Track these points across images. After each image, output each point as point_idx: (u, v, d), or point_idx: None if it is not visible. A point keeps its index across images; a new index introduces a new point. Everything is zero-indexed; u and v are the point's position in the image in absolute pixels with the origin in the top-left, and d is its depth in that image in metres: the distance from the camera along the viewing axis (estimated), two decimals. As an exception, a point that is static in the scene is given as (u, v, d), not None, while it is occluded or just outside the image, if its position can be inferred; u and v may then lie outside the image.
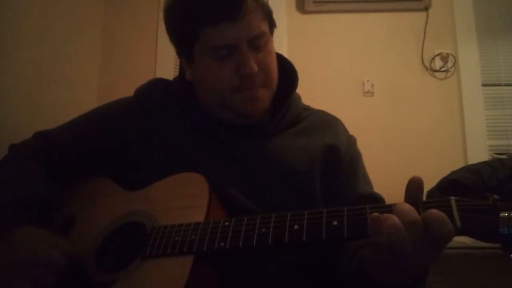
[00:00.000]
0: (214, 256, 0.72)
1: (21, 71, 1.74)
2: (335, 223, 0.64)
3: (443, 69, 2.41)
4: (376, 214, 0.59)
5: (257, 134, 0.92)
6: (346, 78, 2.43)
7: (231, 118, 0.90)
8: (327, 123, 0.98)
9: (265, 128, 0.93)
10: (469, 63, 2.41)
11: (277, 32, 0.95)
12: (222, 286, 0.73)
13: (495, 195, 0.57)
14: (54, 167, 0.92)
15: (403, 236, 0.56)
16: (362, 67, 2.44)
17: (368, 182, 0.94)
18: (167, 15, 0.91)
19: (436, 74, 2.42)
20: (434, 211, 0.57)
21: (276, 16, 0.93)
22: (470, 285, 1.48)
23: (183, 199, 0.80)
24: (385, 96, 2.41)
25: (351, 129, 1.01)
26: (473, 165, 1.85)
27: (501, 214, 0.55)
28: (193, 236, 0.72)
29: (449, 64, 2.41)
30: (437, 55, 2.42)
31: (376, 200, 0.89)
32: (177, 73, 1.01)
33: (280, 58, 0.96)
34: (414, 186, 0.62)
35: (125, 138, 0.94)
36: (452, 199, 0.60)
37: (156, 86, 0.99)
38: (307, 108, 1.02)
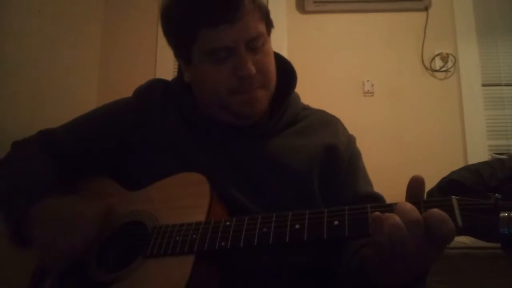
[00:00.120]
0: (215, 255, 0.72)
1: (21, 71, 1.74)
2: (336, 222, 0.65)
3: (443, 69, 2.41)
4: (377, 213, 0.59)
5: (256, 134, 0.91)
6: (346, 78, 2.43)
7: (230, 119, 0.90)
8: (326, 122, 0.98)
9: (264, 128, 0.93)
10: (469, 63, 2.41)
11: (277, 32, 0.95)
12: (223, 285, 0.73)
13: (496, 194, 0.57)
14: (57, 162, 0.93)
15: (405, 236, 0.56)
16: (362, 67, 2.44)
17: (368, 182, 0.94)
18: (164, 18, 0.91)
19: (436, 74, 2.42)
20: (436, 210, 0.57)
21: (276, 16, 0.93)
22: (470, 285, 1.48)
23: (184, 199, 0.80)
24: (385, 96, 2.41)
25: (351, 129, 1.01)
26: (473, 165, 1.85)
27: (501, 214, 0.55)
28: (194, 236, 0.72)
29: (449, 64, 2.41)
30: (437, 55, 2.42)
31: (376, 200, 0.89)
32: (176, 73, 1.01)
33: (278, 58, 0.95)
34: (415, 185, 0.62)
35: (125, 138, 0.94)
36: (454, 198, 0.60)
37: (155, 87, 0.99)
38: (306, 108, 1.02)
